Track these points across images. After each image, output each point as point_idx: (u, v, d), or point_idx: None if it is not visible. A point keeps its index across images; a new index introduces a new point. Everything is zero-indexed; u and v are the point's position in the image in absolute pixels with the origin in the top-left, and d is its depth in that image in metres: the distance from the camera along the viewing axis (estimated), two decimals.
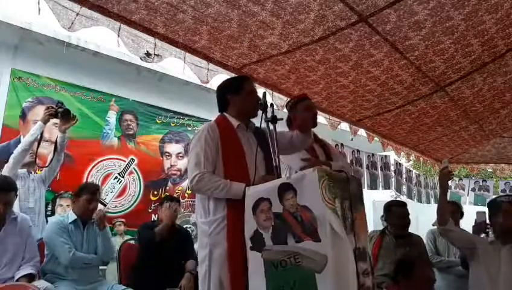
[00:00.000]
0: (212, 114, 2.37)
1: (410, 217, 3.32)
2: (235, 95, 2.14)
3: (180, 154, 6.45)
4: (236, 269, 1.81)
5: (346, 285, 1.54)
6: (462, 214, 3.98)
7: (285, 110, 3.37)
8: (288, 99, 3.01)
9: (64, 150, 3.64)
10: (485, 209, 2.88)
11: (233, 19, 2.39)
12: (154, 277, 3.00)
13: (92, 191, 2.90)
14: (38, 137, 3.26)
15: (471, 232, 3.17)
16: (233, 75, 2.95)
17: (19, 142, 3.69)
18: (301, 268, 1.59)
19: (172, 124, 6.42)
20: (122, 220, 5.43)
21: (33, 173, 3.59)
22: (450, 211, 3.79)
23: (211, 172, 1.95)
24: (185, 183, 6.28)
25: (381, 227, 3.66)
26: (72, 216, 2.84)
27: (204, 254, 1.93)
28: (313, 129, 2.54)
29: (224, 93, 2.18)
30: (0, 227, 2.58)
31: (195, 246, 3.34)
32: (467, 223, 3.75)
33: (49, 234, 2.77)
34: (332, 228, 1.55)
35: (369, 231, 3.09)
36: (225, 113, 2.16)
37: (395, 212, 3.29)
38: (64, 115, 3.32)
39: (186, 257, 3.22)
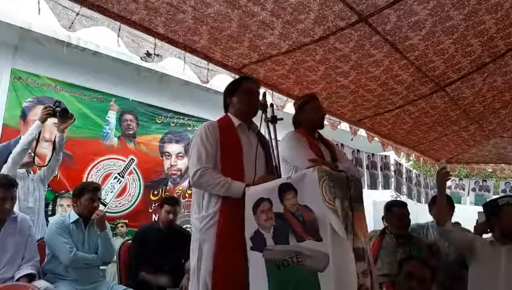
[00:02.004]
0: (212, 114, 2.39)
1: (410, 217, 3.32)
2: (233, 95, 2.19)
3: (180, 154, 6.44)
4: (224, 264, 1.83)
5: (348, 284, 1.54)
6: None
7: (285, 110, 3.38)
8: (294, 100, 2.99)
9: (64, 150, 3.63)
10: None
11: (233, 19, 2.39)
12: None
13: (94, 191, 2.90)
14: (37, 136, 3.25)
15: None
16: (233, 75, 2.95)
17: (18, 142, 3.69)
18: (303, 267, 1.59)
19: (172, 124, 6.41)
20: (125, 221, 5.42)
21: (32, 172, 3.59)
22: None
23: (212, 168, 1.96)
24: (185, 183, 6.28)
25: (381, 227, 3.65)
26: (74, 216, 2.83)
27: (195, 249, 1.96)
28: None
29: (225, 94, 2.25)
30: (0, 227, 2.57)
31: None
32: (468, 223, 3.72)
33: (50, 233, 2.76)
34: (332, 227, 1.55)
35: (369, 231, 3.08)
36: (228, 114, 2.21)
37: (395, 212, 3.28)
38: (62, 114, 3.31)
39: (187, 257, 3.21)
